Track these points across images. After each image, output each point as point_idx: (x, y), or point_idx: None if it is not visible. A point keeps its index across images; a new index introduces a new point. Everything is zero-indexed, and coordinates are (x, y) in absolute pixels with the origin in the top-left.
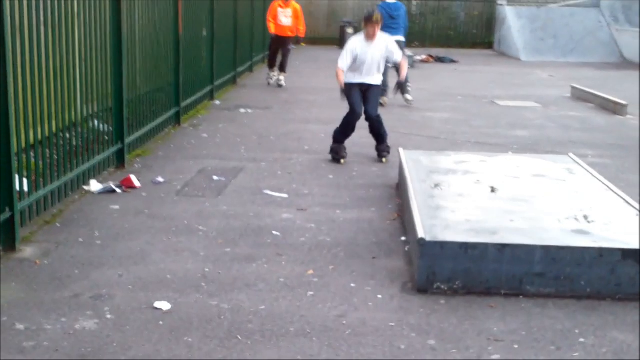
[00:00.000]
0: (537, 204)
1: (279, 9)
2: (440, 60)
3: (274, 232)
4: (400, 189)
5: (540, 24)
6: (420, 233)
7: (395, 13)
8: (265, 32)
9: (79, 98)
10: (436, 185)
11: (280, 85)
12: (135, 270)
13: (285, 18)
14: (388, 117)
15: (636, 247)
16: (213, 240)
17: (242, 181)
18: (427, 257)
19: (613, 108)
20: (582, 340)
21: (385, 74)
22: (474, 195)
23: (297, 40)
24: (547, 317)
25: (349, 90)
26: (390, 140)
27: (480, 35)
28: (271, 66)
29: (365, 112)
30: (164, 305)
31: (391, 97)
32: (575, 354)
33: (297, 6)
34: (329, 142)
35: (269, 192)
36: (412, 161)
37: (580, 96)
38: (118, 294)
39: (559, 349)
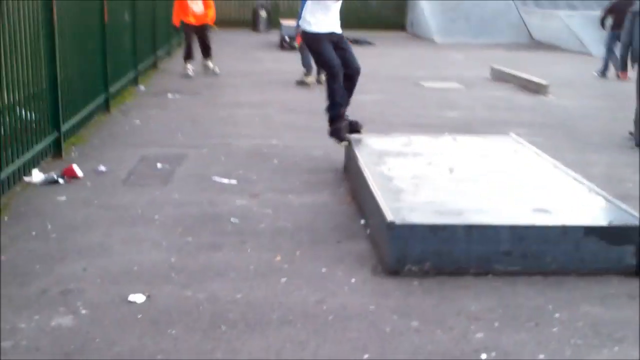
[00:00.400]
0: (494, 184)
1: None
2: (356, 42)
3: (232, 220)
4: (349, 172)
5: (451, 5)
6: (389, 216)
7: None
8: None
9: (9, 86)
10: (390, 169)
11: (215, 73)
12: (99, 262)
13: (197, 6)
14: (318, 100)
15: (597, 224)
16: (172, 229)
17: (187, 168)
18: (397, 240)
19: (535, 88)
20: (557, 315)
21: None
22: (431, 177)
23: (208, 28)
24: (519, 295)
25: (318, 43)
26: (321, 123)
27: (393, 17)
28: (187, 58)
29: (350, 67)
30: (138, 298)
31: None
32: (554, 329)
33: None
34: (265, 125)
35: (217, 178)
36: (360, 144)
37: (500, 77)
38: (88, 288)
39: (538, 325)
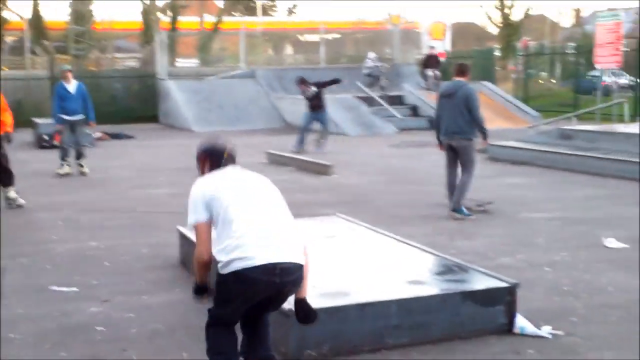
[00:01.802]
0: (359, 263)
1: None
2: (116, 136)
3: (98, 328)
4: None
5: (204, 95)
6: (285, 305)
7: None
8: None
9: None
10: None
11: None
12: None
13: None
14: (109, 196)
15: (474, 288)
16: (39, 347)
17: (15, 280)
18: (296, 327)
19: (317, 169)
20: None
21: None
22: None
23: (8, 138)
24: None
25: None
26: (134, 219)
27: (143, 109)
28: None
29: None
30: None
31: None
32: None
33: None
34: (73, 228)
35: (56, 287)
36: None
37: (277, 160)
38: None
39: None
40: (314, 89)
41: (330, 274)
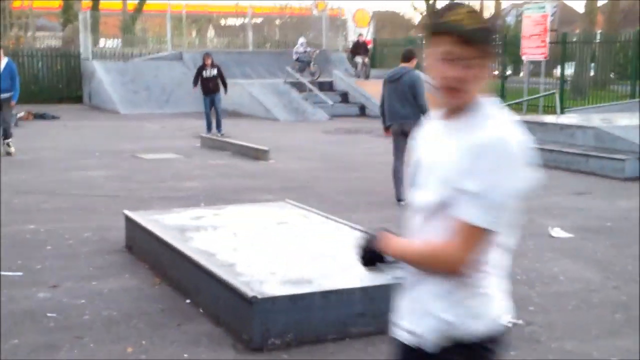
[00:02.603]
0: (315, 249)
1: None
2: (41, 116)
3: (49, 314)
4: (141, 251)
5: (130, 77)
6: (248, 291)
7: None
8: None
9: None
10: (202, 244)
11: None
12: None
13: None
14: (42, 178)
15: None
16: None
17: None
18: (260, 314)
19: (254, 154)
20: None
21: None
22: (250, 249)
23: None
24: (386, 354)
25: None
26: (71, 202)
27: (67, 89)
28: None
29: None
30: None
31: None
32: None
33: None
34: (7, 209)
35: (1, 272)
36: (150, 222)
37: (213, 145)
38: None
39: None
40: (214, 71)
41: (290, 261)
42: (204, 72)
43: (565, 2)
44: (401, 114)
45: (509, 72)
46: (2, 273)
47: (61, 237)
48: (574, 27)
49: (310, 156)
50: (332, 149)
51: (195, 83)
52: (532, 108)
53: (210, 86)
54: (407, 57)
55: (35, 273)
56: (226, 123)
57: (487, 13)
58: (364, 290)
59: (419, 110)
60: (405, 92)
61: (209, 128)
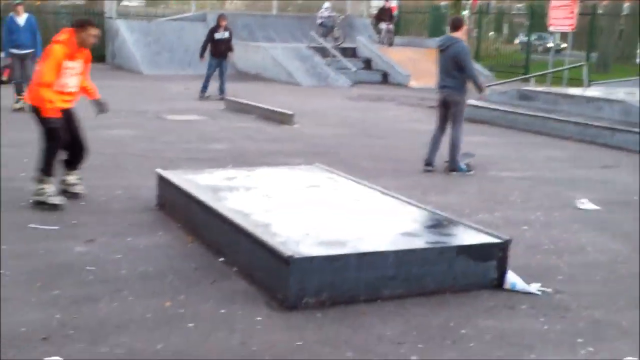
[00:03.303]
0: (348, 213)
1: None
2: None
3: (88, 268)
4: (173, 210)
5: (153, 37)
6: (285, 251)
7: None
8: None
9: None
10: (236, 204)
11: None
12: None
13: None
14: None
15: (468, 242)
16: (30, 285)
17: None
18: (296, 273)
19: (279, 118)
20: (463, 331)
21: None
22: (284, 210)
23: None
24: (417, 316)
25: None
26: (101, 160)
27: (91, 48)
28: None
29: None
30: None
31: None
32: (471, 344)
33: None
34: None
35: (36, 225)
36: (184, 181)
37: (237, 108)
38: None
39: (455, 343)
40: (227, 34)
41: (323, 223)
42: (216, 34)
43: None
44: (444, 83)
45: (564, 44)
46: (40, 227)
47: (94, 194)
48: None
49: (334, 122)
50: (356, 115)
51: (204, 49)
52: (556, 80)
53: (222, 49)
54: (456, 25)
55: (71, 227)
56: (247, 87)
57: None
58: (397, 253)
59: (466, 79)
60: (449, 63)
61: (204, 89)
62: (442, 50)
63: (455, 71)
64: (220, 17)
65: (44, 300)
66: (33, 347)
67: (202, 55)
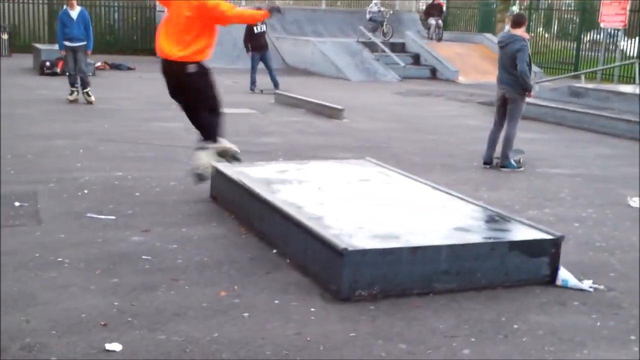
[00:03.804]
0: (400, 208)
1: None
2: (116, 67)
3: (144, 257)
4: (227, 201)
5: None
6: (339, 243)
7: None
8: None
9: None
10: (289, 196)
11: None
12: (40, 313)
13: None
14: (123, 128)
15: (520, 238)
16: (89, 272)
17: (50, 206)
18: (350, 266)
19: (329, 113)
20: (515, 326)
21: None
22: (336, 203)
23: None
24: (469, 310)
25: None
26: (154, 151)
27: (142, 42)
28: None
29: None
30: (115, 347)
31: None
32: (524, 339)
33: None
34: (95, 157)
35: (93, 215)
36: (237, 173)
37: (287, 102)
38: (49, 342)
39: (507, 337)
40: (264, 26)
41: (376, 217)
42: (255, 28)
43: None
44: (503, 80)
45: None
46: (97, 216)
47: (148, 185)
48: None
49: (383, 117)
50: (405, 111)
51: (246, 44)
52: (606, 77)
53: (262, 42)
54: (518, 22)
55: (127, 217)
56: (296, 81)
57: None
58: (450, 247)
59: (518, 77)
60: (508, 60)
61: (253, 84)
62: (502, 46)
63: (513, 68)
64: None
65: (103, 288)
66: (93, 334)
67: (247, 50)
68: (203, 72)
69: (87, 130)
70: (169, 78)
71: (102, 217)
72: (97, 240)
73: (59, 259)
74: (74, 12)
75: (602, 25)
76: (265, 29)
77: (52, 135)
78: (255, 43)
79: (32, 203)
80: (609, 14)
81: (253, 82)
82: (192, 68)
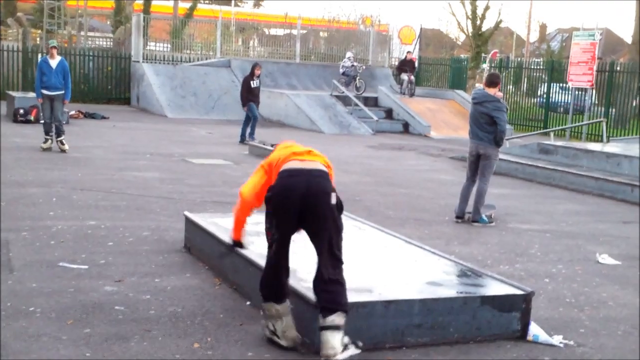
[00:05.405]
0: (375, 261)
1: None
2: (91, 116)
3: (117, 307)
4: (201, 252)
5: (178, 81)
6: (312, 297)
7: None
8: None
9: None
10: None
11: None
12: None
13: None
14: (97, 177)
15: (492, 293)
16: (60, 322)
17: (21, 254)
18: (320, 318)
19: None
20: None
21: None
22: (308, 255)
23: None
24: None
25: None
26: (128, 201)
27: (116, 90)
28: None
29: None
30: None
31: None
32: None
33: None
34: (68, 205)
35: (65, 264)
36: (211, 224)
37: (261, 153)
38: None
39: None
40: (259, 81)
41: (350, 270)
42: (252, 83)
43: (610, 29)
44: (476, 136)
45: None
46: (69, 265)
47: (121, 234)
48: (617, 56)
49: (356, 170)
50: (378, 164)
51: (244, 98)
52: (574, 135)
53: (258, 95)
54: (493, 82)
55: (100, 267)
56: (270, 133)
57: (533, 37)
58: (423, 302)
59: (494, 136)
60: (485, 118)
61: (251, 134)
62: (476, 103)
63: (488, 125)
64: (257, 66)
65: (75, 338)
66: None
67: (244, 104)
68: None
69: (60, 178)
70: None
71: (75, 266)
72: (69, 289)
73: (31, 308)
74: (54, 61)
75: (570, 84)
76: (259, 84)
77: (25, 183)
78: (253, 96)
79: (4, 252)
80: (576, 73)
81: (251, 134)
82: None
